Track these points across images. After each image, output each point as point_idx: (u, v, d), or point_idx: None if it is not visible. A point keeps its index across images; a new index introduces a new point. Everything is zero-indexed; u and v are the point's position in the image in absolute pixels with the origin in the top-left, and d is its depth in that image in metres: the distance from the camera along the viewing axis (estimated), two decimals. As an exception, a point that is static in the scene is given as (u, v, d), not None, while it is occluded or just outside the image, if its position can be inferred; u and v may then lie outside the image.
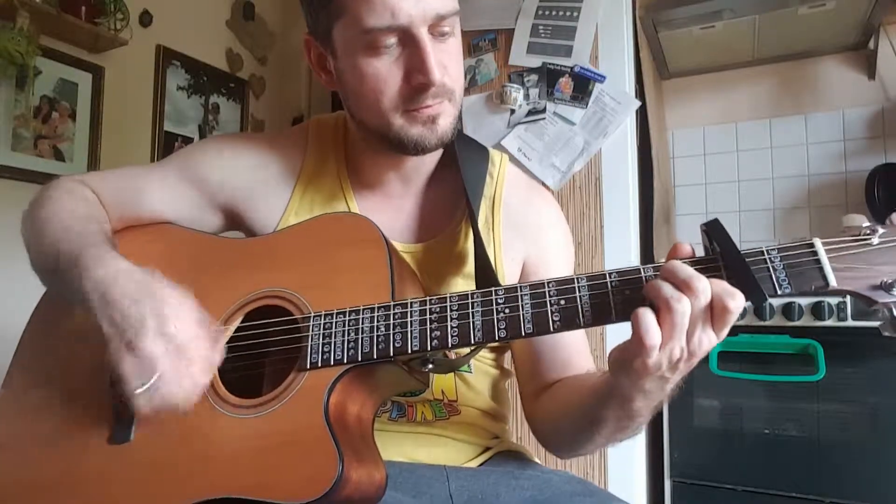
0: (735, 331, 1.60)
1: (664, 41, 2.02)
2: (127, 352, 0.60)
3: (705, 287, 0.52)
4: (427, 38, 0.67)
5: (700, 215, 2.26)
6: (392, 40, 0.68)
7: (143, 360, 0.59)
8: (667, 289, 0.53)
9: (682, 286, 0.52)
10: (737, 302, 0.52)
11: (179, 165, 0.85)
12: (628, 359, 0.56)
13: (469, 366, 0.83)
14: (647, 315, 0.53)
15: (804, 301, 1.55)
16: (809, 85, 2.14)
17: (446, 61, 0.70)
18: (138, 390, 0.59)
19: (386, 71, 0.69)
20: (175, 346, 0.60)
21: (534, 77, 1.87)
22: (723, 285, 0.53)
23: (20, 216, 0.81)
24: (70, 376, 0.73)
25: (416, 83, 0.69)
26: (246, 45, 2.90)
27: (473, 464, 0.83)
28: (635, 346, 0.54)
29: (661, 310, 0.53)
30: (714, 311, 0.53)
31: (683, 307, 0.52)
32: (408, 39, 0.68)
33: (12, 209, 0.84)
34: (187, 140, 2.61)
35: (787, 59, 2.14)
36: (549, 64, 1.86)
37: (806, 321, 1.54)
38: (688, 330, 0.53)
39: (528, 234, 0.84)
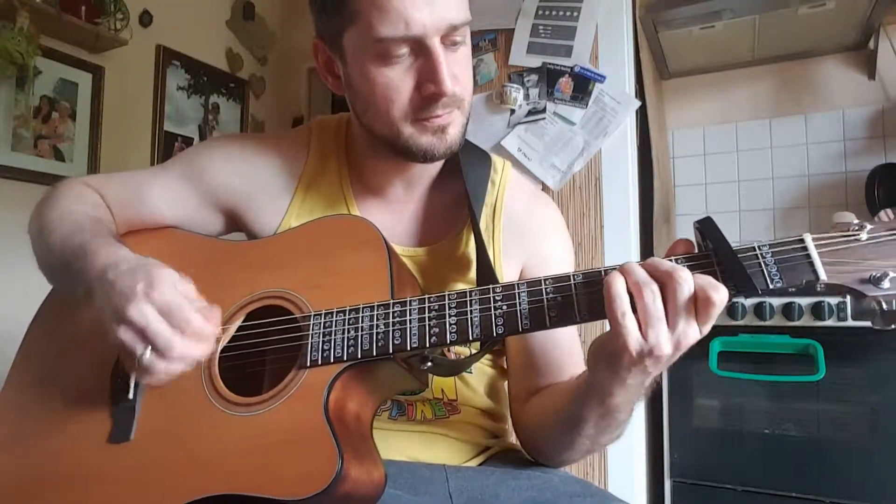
0: (735, 331, 1.60)
1: (664, 41, 2.02)
2: (119, 323, 0.60)
3: (687, 277, 0.53)
4: (440, 49, 0.67)
5: (700, 215, 2.22)
6: (404, 50, 0.68)
7: (135, 327, 0.59)
8: (638, 273, 0.54)
9: (665, 276, 0.54)
10: (720, 295, 0.53)
11: (182, 168, 0.86)
12: (609, 346, 0.57)
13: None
14: (615, 283, 0.55)
15: (804, 301, 1.55)
16: (809, 85, 2.14)
17: (457, 71, 0.70)
18: (143, 357, 0.59)
19: (397, 80, 0.69)
20: (164, 309, 0.60)
21: (534, 77, 1.87)
22: (707, 279, 0.54)
23: (20, 216, 0.82)
24: (71, 376, 0.73)
25: (428, 93, 0.69)
26: (246, 45, 2.90)
27: (473, 463, 0.83)
28: (612, 326, 0.55)
29: (633, 295, 0.54)
30: (698, 304, 0.53)
31: (654, 289, 0.53)
32: (420, 49, 0.68)
33: (12, 209, 0.85)
34: (187, 140, 2.61)
35: (787, 59, 2.15)
36: (549, 64, 1.86)
37: (806, 321, 1.54)
38: (672, 321, 0.54)
39: (528, 242, 0.84)
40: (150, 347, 0.59)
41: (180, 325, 0.60)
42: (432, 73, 0.67)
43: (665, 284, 0.54)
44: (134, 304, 0.59)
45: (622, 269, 0.56)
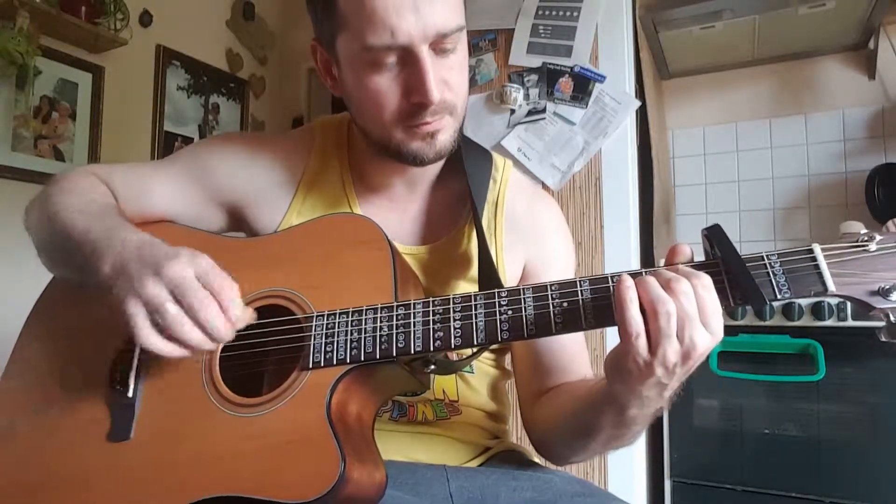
0: (735, 331, 1.60)
1: (664, 41, 2.02)
2: (154, 276, 0.59)
3: (687, 289, 0.53)
4: (427, 57, 0.67)
5: (700, 215, 2.26)
6: (392, 58, 0.67)
7: (172, 281, 0.59)
8: (654, 290, 0.53)
9: (664, 287, 0.53)
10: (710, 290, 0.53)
11: (185, 163, 0.86)
12: (621, 361, 0.56)
13: (471, 366, 0.83)
14: (629, 307, 0.53)
15: (804, 301, 1.55)
16: (809, 85, 2.14)
17: (447, 76, 0.70)
18: (167, 311, 0.58)
19: (386, 87, 0.69)
20: (206, 272, 0.60)
21: (534, 77, 1.87)
22: (701, 279, 0.54)
23: (21, 216, 0.81)
24: (69, 373, 0.72)
25: (415, 101, 0.68)
26: (246, 45, 2.90)
27: (474, 464, 0.83)
28: (623, 342, 0.54)
29: (647, 312, 0.53)
30: (699, 308, 0.53)
31: (668, 308, 0.52)
32: (408, 58, 0.67)
33: (12, 209, 0.84)
34: (187, 140, 2.61)
35: (787, 59, 2.15)
36: (549, 64, 1.86)
37: (806, 321, 1.54)
38: (678, 331, 0.53)
39: (529, 239, 0.85)
40: (175, 304, 0.59)
41: (219, 291, 0.60)
42: (419, 83, 0.67)
43: (668, 296, 0.53)
44: (174, 263, 0.60)
45: (638, 285, 0.54)
